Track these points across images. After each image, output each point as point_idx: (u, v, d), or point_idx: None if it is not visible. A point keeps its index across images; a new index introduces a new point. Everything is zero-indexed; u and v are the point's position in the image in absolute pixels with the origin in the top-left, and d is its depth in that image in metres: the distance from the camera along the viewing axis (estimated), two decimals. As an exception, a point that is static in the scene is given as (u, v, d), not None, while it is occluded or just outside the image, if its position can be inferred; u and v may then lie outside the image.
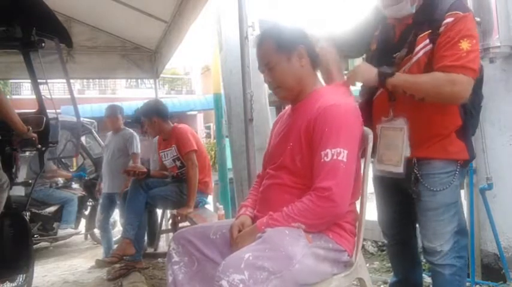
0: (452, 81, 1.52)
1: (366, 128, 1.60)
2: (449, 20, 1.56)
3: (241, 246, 1.38)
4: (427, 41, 1.61)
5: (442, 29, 1.57)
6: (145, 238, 3.73)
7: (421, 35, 1.63)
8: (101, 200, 4.33)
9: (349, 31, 1.89)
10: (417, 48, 1.63)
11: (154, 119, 3.47)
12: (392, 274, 2.18)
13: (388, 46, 1.74)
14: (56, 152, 4.86)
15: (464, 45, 1.51)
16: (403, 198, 1.84)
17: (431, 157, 1.68)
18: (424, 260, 2.06)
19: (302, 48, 1.54)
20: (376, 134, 1.73)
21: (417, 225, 1.87)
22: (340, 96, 1.52)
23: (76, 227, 4.92)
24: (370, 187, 1.71)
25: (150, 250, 4.07)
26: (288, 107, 1.71)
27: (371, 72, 1.63)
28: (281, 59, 1.53)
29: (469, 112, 1.71)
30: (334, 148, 1.38)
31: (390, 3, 1.67)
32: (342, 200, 1.38)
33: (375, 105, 1.81)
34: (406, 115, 1.66)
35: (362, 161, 1.64)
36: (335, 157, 1.38)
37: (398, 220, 1.93)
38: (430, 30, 1.60)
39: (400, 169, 1.66)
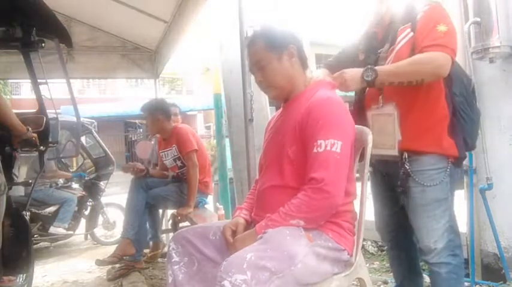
0: (430, 59, 1.59)
1: (365, 128, 1.60)
2: (426, 8, 1.67)
3: (240, 249, 1.36)
4: (409, 29, 1.69)
5: (419, 15, 1.67)
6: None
7: (401, 28, 1.72)
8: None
9: (341, 56, 2.02)
10: (399, 39, 1.71)
11: (159, 117, 3.47)
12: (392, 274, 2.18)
13: (373, 49, 1.81)
14: (56, 152, 4.84)
15: (442, 28, 1.62)
16: (397, 201, 1.84)
17: (422, 151, 1.71)
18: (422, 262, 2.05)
19: (292, 47, 1.56)
20: (368, 121, 1.81)
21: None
22: (332, 92, 1.57)
23: (71, 228, 4.85)
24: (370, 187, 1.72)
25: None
26: (277, 112, 1.73)
27: (357, 76, 1.67)
28: (272, 59, 1.54)
29: (458, 113, 1.73)
30: (327, 139, 1.39)
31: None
32: (336, 190, 1.38)
33: (366, 97, 1.87)
34: (395, 102, 1.72)
35: (361, 162, 1.64)
36: (328, 148, 1.39)
37: (393, 223, 1.94)
38: (410, 23, 1.69)
39: (396, 152, 1.72)
